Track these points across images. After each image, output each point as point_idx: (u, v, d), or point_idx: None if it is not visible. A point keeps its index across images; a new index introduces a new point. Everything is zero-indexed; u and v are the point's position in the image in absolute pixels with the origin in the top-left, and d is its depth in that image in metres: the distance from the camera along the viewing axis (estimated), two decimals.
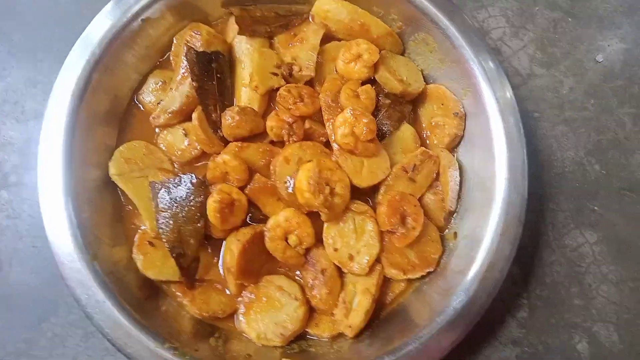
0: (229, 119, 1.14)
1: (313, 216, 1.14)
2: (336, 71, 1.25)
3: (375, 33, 1.25)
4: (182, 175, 1.13)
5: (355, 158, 1.15)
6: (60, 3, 1.41)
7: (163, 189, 1.12)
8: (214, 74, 1.18)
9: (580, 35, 1.47)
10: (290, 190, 1.12)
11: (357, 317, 1.13)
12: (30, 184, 1.30)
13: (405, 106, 1.26)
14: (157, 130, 1.24)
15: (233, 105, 1.21)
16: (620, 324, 1.30)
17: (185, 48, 1.17)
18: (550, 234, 1.34)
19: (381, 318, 1.20)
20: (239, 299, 1.16)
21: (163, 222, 1.11)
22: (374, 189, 1.21)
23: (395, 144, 1.23)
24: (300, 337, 1.17)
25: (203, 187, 1.12)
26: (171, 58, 1.27)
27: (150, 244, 1.16)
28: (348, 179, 1.13)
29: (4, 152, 1.32)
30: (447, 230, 1.24)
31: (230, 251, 1.12)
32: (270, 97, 1.23)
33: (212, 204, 1.09)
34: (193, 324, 1.16)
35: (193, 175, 1.12)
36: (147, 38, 1.22)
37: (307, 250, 1.15)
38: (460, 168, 1.24)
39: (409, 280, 1.21)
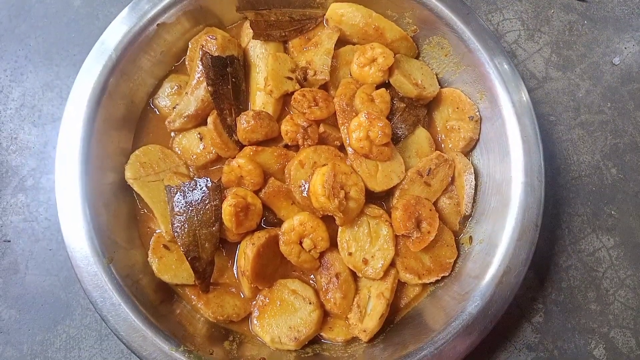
0: (244, 123, 1.14)
1: (327, 220, 1.14)
2: (351, 75, 1.25)
3: (389, 37, 1.25)
4: (197, 179, 1.13)
5: (370, 162, 1.15)
6: (75, 8, 1.42)
7: (178, 193, 1.13)
8: (229, 78, 1.18)
9: (597, 37, 1.46)
10: (304, 194, 1.12)
11: (371, 322, 1.12)
12: (46, 188, 1.32)
13: (420, 110, 1.26)
14: (172, 134, 1.25)
15: (248, 109, 1.22)
16: (638, 329, 1.29)
17: (200, 52, 1.18)
18: (566, 238, 1.33)
19: (395, 322, 1.20)
20: (253, 302, 1.17)
21: (178, 226, 1.12)
22: (388, 193, 1.21)
23: (410, 147, 1.23)
24: (314, 341, 1.17)
25: (218, 190, 1.13)
26: (186, 62, 1.28)
27: (166, 247, 1.17)
28: (363, 183, 1.13)
29: (21, 156, 1.33)
30: (462, 235, 1.24)
31: (244, 255, 1.12)
32: (285, 101, 1.24)
33: (227, 208, 1.09)
34: (207, 327, 1.16)
35: (208, 179, 1.13)
36: (162, 43, 1.23)
37: (322, 254, 1.15)
38: (476, 172, 1.23)
39: (424, 285, 1.20)
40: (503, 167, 1.17)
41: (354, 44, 1.28)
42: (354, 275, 1.17)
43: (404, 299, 1.21)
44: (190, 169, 1.23)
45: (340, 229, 1.14)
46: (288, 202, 1.16)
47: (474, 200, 1.23)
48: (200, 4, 1.23)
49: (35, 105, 1.36)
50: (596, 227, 1.34)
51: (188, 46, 1.27)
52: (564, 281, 1.31)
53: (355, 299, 1.16)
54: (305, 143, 1.16)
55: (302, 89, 1.19)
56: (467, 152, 1.27)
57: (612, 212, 1.35)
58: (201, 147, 1.21)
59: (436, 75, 1.30)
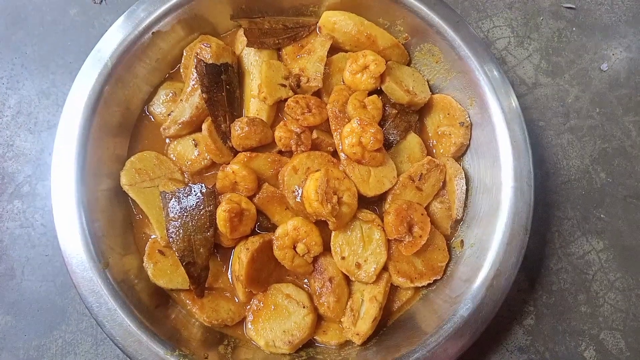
0: (238, 129, 1.16)
1: (321, 225, 1.15)
2: (343, 82, 1.27)
3: (381, 44, 1.27)
4: (192, 185, 1.14)
5: (363, 167, 1.17)
6: (71, 16, 1.43)
7: (173, 199, 1.14)
8: (223, 86, 1.20)
9: (585, 44, 1.48)
10: (298, 199, 1.14)
11: (364, 325, 1.14)
12: (42, 194, 1.32)
13: (412, 116, 1.27)
14: (167, 140, 1.26)
15: (242, 116, 1.24)
16: (627, 331, 1.30)
17: (195, 60, 1.19)
18: (556, 241, 1.35)
19: (388, 326, 1.21)
20: (248, 306, 1.18)
21: (173, 231, 1.13)
22: (381, 198, 1.22)
23: (402, 153, 1.24)
24: (308, 344, 1.18)
25: (213, 196, 1.14)
26: (181, 70, 1.29)
27: (161, 252, 1.18)
28: (355, 188, 1.15)
29: (17, 162, 1.34)
30: (453, 239, 1.26)
31: (239, 260, 1.14)
32: (278, 107, 1.25)
33: (221, 213, 1.10)
34: (202, 331, 1.17)
35: (203, 185, 1.14)
36: (157, 51, 1.24)
37: (315, 259, 1.17)
38: (467, 177, 1.25)
39: (416, 288, 1.22)
40: (493, 171, 1.19)
41: (346, 51, 1.29)
42: (347, 279, 1.19)
43: (396, 303, 1.22)
44: (185, 175, 1.25)
45: (333, 233, 1.16)
46: (282, 207, 1.18)
47: (465, 205, 1.24)
48: (195, 13, 1.24)
49: (31, 113, 1.37)
50: (586, 231, 1.36)
51: (183, 54, 1.28)
52: (555, 284, 1.33)
53: (349, 303, 1.17)
54: (298, 149, 1.17)
55: (295, 95, 1.21)
56: (458, 157, 1.29)
57: (602, 215, 1.37)
58: (196, 153, 1.23)
59: (427, 81, 1.32)
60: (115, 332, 1.07)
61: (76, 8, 1.44)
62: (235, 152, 1.20)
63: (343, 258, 1.15)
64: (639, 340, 1.30)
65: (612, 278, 1.34)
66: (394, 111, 1.25)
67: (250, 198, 1.16)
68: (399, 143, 1.24)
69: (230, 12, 1.28)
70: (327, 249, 1.16)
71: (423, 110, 1.31)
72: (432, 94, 1.30)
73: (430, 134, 1.31)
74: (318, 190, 1.08)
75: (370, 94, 1.24)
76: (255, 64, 1.25)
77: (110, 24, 1.20)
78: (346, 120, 1.18)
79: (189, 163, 1.23)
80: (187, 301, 1.18)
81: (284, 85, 1.22)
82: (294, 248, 1.14)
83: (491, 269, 1.12)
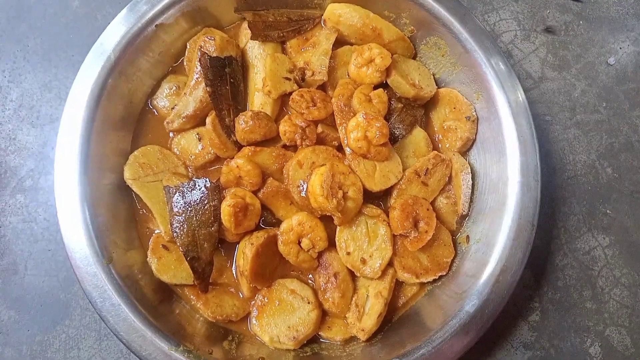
0: (242, 123, 1.15)
1: (326, 220, 1.15)
2: (348, 75, 1.26)
3: (387, 37, 1.25)
4: (196, 180, 1.14)
5: (368, 162, 1.16)
6: (73, 9, 1.42)
7: (177, 193, 1.13)
8: (227, 79, 1.19)
9: (592, 37, 1.47)
10: (303, 194, 1.13)
11: (369, 321, 1.13)
12: (45, 188, 1.32)
13: (418, 110, 1.26)
14: (171, 134, 1.25)
15: (246, 109, 1.23)
16: (633, 327, 1.30)
17: (198, 53, 1.18)
18: (562, 237, 1.34)
19: (393, 321, 1.21)
20: (252, 302, 1.17)
21: (177, 226, 1.12)
22: (386, 193, 1.21)
23: (408, 147, 1.24)
24: (312, 340, 1.18)
25: (217, 191, 1.13)
26: (185, 63, 1.28)
27: (165, 247, 1.17)
28: (361, 183, 1.14)
29: (19, 156, 1.33)
30: (459, 234, 1.25)
31: (243, 255, 1.13)
32: (283, 101, 1.24)
33: (226, 208, 1.10)
34: (207, 327, 1.17)
35: (207, 179, 1.13)
36: (161, 44, 1.23)
37: (320, 254, 1.16)
38: (473, 172, 1.24)
39: (422, 284, 1.21)
40: (500, 166, 1.18)
41: (351, 44, 1.28)
42: (352, 275, 1.18)
43: (401, 298, 1.22)
44: (189, 170, 1.24)
45: (338, 228, 1.15)
46: (287, 202, 1.17)
47: (471, 200, 1.24)
48: (199, 5, 1.23)
49: (33, 106, 1.36)
50: (592, 226, 1.35)
51: (186, 47, 1.27)
52: (560, 280, 1.32)
53: (354, 299, 1.17)
54: (303, 143, 1.16)
55: (300, 89, 1.20)
56: (464, 152, 1.28)
57: (608, 211, 1.36)
58: (200, 147, 1.22)
59: (433, 75, 1.30)
60: (119, 327, 1.07)
61: (78, 0, 1.42)
62: (239, 147, 1.19)
63: (348, 253, 1.14)
64: None
65: (617, 274, 1.33)
66: (400, 105, 1.24)
67: (255, 193, 1.15)
68: (404, 137, 1.24)
69: (234, 5, 1.26)
70: (332, 244, 1.16)
71: (429, 105, 1.30)
72: (438, 87, 1.29)
73: (436, 129, 1.30)
74: (323, 185, 1.08)
75: (375, 87, 1.22)
76: (259, 57, 1.24)
77: (113, 17, 1.19)
78: (351, 114, 1.17)
79: (192, 157, 1.22)
80: (191, 296, 1.17)
81: (289, 79, 1.21)
82: (299, 243, 1.13)
83: (497, 265, 1.11)
